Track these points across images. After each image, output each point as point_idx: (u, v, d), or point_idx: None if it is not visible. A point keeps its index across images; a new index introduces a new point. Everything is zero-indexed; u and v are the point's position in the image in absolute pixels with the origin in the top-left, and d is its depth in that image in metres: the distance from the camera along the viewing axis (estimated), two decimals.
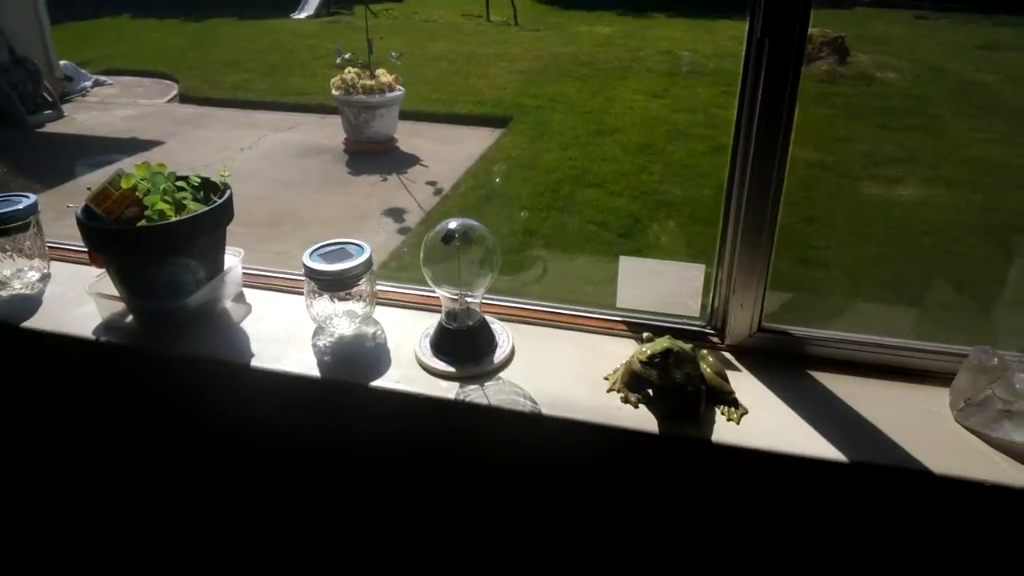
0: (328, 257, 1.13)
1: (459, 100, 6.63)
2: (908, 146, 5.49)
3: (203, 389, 1.16)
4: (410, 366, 1.09)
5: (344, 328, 1.17)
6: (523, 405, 1.00)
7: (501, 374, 1.07)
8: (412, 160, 5.50)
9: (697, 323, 1.15)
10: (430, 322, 1.16)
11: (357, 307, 1.16)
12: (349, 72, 5.47)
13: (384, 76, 5.50)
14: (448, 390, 1.04)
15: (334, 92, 5.44)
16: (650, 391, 0.99)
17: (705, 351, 1.05)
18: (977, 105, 6.59)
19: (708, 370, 1.00)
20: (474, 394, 1.03)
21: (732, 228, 1.06)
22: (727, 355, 1.11)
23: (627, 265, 1.15)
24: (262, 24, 10.63)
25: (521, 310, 1.22)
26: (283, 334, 1.17)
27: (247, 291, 1.30)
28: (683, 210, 4.53)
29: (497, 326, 1.17)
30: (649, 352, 0.95)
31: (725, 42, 8.80)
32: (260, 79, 7.61)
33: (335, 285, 1.11)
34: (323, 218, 4.30)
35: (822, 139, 5.59)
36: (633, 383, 0.99)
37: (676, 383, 0.95)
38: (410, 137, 5.75)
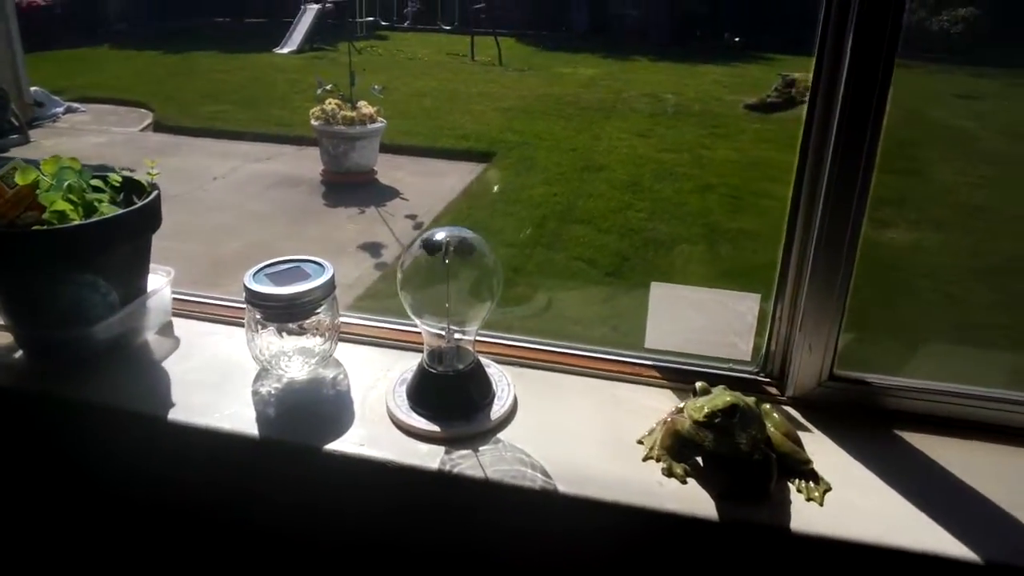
0: (278, 278, 0.88)
1: (442, 135, 6.46)
2: (895, 188, 5.41)
3: (110, 444, 0.89)
4: (380, 423, 0.84)
5: (296, 371, 0.91)
6: (531, 479, 0.74)
7: (501, 435, 0.83)
8: (391, 193, 5.29)
9: (748, 369, 0.91)
10: (408, 365, 0.91)
11: (313, 343, 0.90)
12: (330, 103, 5.29)
13: (365, 107, 5.32)
14: (430, 457, 0.78)
15: (313, 122, 5.25)
16: (700, 460, 0.75)
17: (768, 406, 0.81)
18: (960, 151, 6.60)
19: (775, 431, 0.77)
20: (465, 462, 0.77)
21: (799, 246, 0.83)
22: (790, 410, 0.87)
23: (659, 294, 0.91)
24: (244, 58, 10.50)
25: (524, 350, 0.97)
26: (217, 377, 0.91)
27: (177, 321, 1.04)
28: (672, 248, 4.36)
29: (494, 370, 0.92)
30: (708, 409, 0.71)
31: (708, 86, 8.81)
32: (238, 110, 7.42)
33: (285, 315, 0.86)
34: (294, 251, 4.00)
35: None
36: (679, 449, 0.75)
37: (739, 450, 0.71)
38: (390, 170, 5.55)
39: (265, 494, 0.87)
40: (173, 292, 1.03)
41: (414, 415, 0.84)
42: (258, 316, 0.87)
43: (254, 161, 5.95)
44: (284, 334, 0.88)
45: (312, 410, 0.86)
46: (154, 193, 0.93)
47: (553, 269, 4.06)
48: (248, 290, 0.86)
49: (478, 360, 0.88)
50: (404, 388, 0.88)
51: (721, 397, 0.73)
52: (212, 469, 0.85)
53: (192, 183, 5.38)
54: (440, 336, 0.84)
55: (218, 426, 0.83)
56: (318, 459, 0.79)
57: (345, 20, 11.06)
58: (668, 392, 0.91)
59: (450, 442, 0.81)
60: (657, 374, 0.93)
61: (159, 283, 0.99)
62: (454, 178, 5.48)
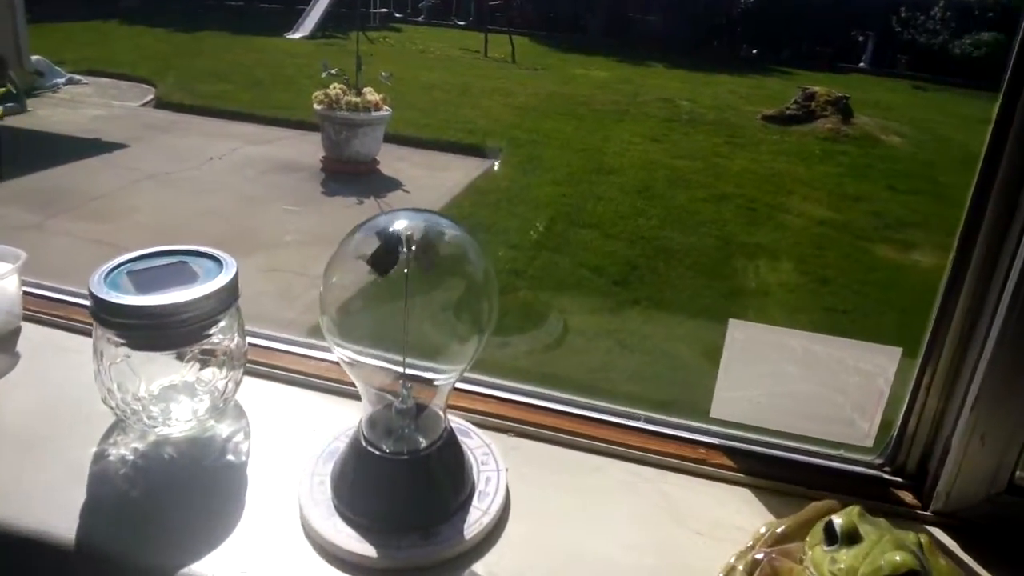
0: (150, 279, 0.61)
1: (449, 128, 6.27)
2: (919, 210, 5.23)
3: None
4: (283, 530, 0.56)
5: (175, 423, 0.63)
6: None
7: (481, 565, 0.55)
8: (393, 184, 5.09)
9: (867, 460, 0.66)
10: (350, 422, 0.60)
11: (199, 383, 0.63)
12: (334, 87, 5.10)
13: (371, 95, 5.13)
14: None
15: (316, 106, 5.06)
16: None
17: (923, 538, 0.54)
18: None
19: None
20: None
21: (977, 276, 0.59)
22: (935, 533, 0.61)
23: (740, 337, 0.64)
24: (254, 41, 10.35)
25: (521, 409, 0.69)
26: (47, 428, 0.63)
27: (29, 328, 0.78)
28: (685, 260, 4.16)
29: (476, 444, 0.64)
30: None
31: (725, 96, 8.62)
32: (242, 91, 7.24)
33: (153, 338, 0.59)
34: (280, 241, 3.84)
35: (831, 197, 5.34)
36: None
37: None
38: (393, 161, 5.35)
39: None
40: (27, 286, 0.77)
41: (338, 522, 0.54)
42: (111, 337, 0.58)
43: (254, 143, 5.77)
44: (150, 367, 0.62)
45: (180, 498, 0.57)
46: None
47: (557, 275, 3.86)
48: (94, 299, 0.58)
49: (451, 432, 0.58)
50: (330, 469, 0.58)
51: (886, 553, 0.47)
52: None
53: (187, 162, 5.20)
54: (393, 384, 0.55)
55: (13, 522, 0.53)
56: None
57: (358, 9, 10.87)
58: (746, 493, 0.64)
59: (398, 575, 0.53)
60: (729, 461, 0.66)
61: (1, 270, 0.73)
62: (459, 173, 5.28)
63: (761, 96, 8.36)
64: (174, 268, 0.63)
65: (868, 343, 0.63)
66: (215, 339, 0.62)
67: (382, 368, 0.56)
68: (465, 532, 0.55)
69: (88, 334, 0.65)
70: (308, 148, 5.41)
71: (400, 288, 0.52)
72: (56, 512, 0.56)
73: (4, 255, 0.75)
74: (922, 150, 6.94)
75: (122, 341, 0.59)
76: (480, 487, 0.59)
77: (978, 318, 0.60)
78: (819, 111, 7.15)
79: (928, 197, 5.53)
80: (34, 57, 7.02)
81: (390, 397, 0.57)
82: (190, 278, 0.61)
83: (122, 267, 0.62)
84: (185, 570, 0.53)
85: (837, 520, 0.51)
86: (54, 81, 7.18)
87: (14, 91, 6.27)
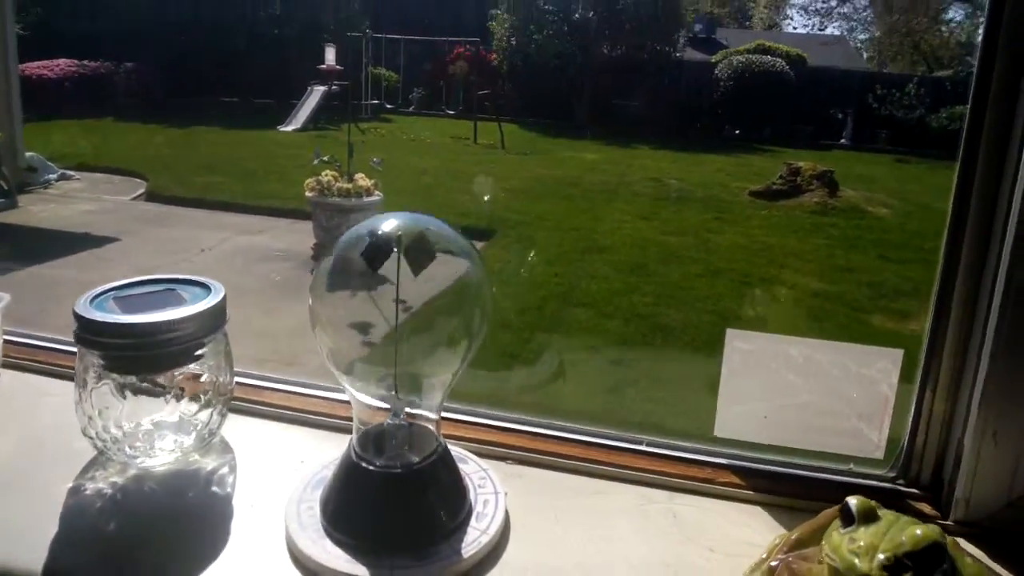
0: (137, 304, 0.60)
1: (440, 212, 6.21)
2: (912, 279, 5.22)
3: None
4: (270, 556, 0.55)
5: (158, 456, 0.62)
6: None
7: None
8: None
9: (879, 473, 0.63)
10: (335, 454, 0.60)
11: (185, 415, 0.61)
12: (326, 174, 5.14)
13: (363, 180, 5.17)
14: None
15: (307, 193, 5.08)
16: None
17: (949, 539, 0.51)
18: None
19: None
20: None
21: (970, 262, 0.60)
22: (959, 543, 0.57)
23: (740, 348, 0.62)
24: (247, 134, 10.60)
25: (520, 436, 0.68)
26: (26, 463, 0.63)
27: (8, 375, 0.78)
28: (682, 336, 4.09)
29: (472, 468, 0.62)
30: (890, 552, 0.44)
31: (711, 174, 8.80)
32: (234, 182, 7.32)
33: (137, 360, 0.57)
34: (269, 330, 3.76)
35: (824, 268, 5.34)
36: None
37: None
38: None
39: None
40: (7, 331, 0.76)
41: (328, 545, 0.53)
42: (94, 362, 0.57)
43: (245, 233, 5.77)
44: (133, 392, 0.59)
45: (162, 529, 0.57)
46: None
47: (552, 356, 3.78)
48: (79, 319, 0.56)
49: (445, 448, 0.57)
50: (319, 494, 0.58)
51: (906, 529, 0.45)
52: None
53: (178, 254, 5.18)
54: (380, 407, 0.54)
55: None
56: None
57: (350, 101, 11.18)
58: (758, 510, 0.61)
59: None
60: (737, 479, 0.64)
61: None
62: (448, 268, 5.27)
63: (747, 173, 8.52)
64: (162, 294, 0.62)
65: (868, 347, 0.62)
66: (200, 366, 0.60)
67: (374, 382, 0.55)
68: (463, 551, 0.54)
69: (70, 378, 0.64)
70: (299, 236, 5.41)
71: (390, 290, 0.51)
72: (24, 546, 0.56)
73: None
74: (909, 220, 7.03)
75: (104, 363, 0.58)
76: (478, 509, 0.58)
77: (974, 310, 0.59)
78: (805, 185, 7.26)
79: (919, 265, 5.53)
80: (28, 153, 7.11)
81: (381, 415, 0.56)
82: (177, 302, 0.60)
83: (109, 293, 0.61)
84: None
85: (852, 501, 0.49)
86: (47, 177, 7.25)
87: (5, 187, 6.31)
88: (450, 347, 0.54)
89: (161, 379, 0.60)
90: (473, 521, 0.57)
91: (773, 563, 0.51)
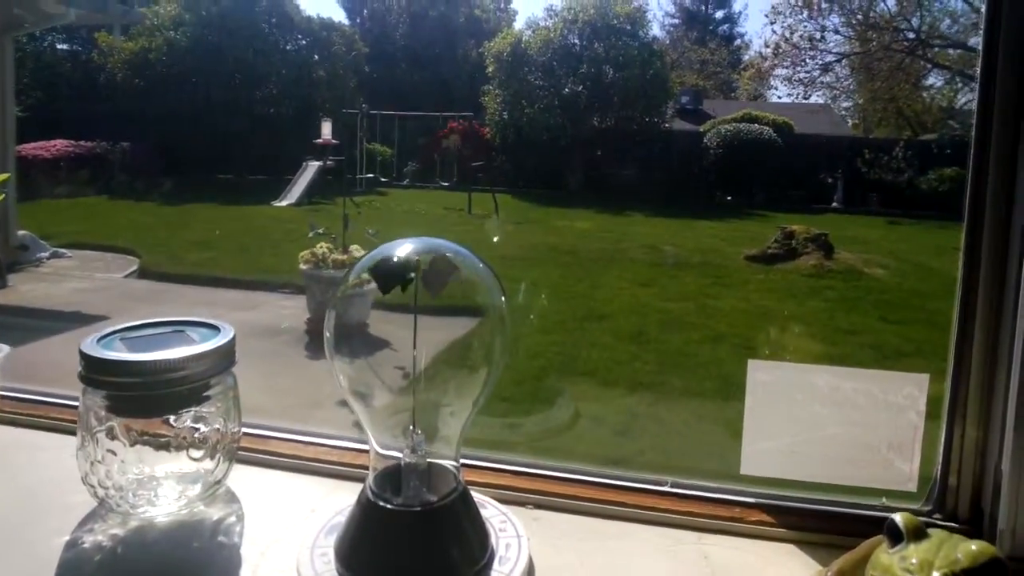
0: (145, 344, 0.58)
1: None
2: (914, 339, 5.15)
3: None
4: None
5: (161, 506, 0.57)
6: None
7: None
8: (380, 344, 4.93)
9: (913, 507, 0.59)
10: (346, 501, 0.58)
11: (190, 463, 0.57)
12: (321, 246, 5.10)
13: (358, 251, 5.12)
14: None
15: (302, 266, 5.03)
16: None
17: None
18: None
19: None
20: None
21: (990, 282, 0.58)
22: None
23: (762, 380, 0.61)
24: (242, 210, 10.67)
25: (542, 481, 0.66)
26: (19, 516, 0.59)
27: (5, 430, 0.80)
28: (688, 405, 3.97)
29: (493, 513, 0.62)
30: (945, 568, 0.42)
31: (706, 239, 8.83)
32: (228, 257, 7.31)
33: (142, 401, 0.54)
34: (262, 407, 3.60)
35: (825, 331, 5.27)
36: None
37: None
38: (380, 323, 5.25)
39: None
40: (3, 389, 0.75)
41: None
42: (97, 403, 0.54)
43: (238, 309, 5.70)
44: (136, 441, 0.55)
45: None
46: None
47: (554, 429, 3.65)
48: (85, 359, 0.53)
49: (464, 488, 0.56)
50: (333, 540, 0.55)
51: (960, 545, 0.44)
52: None
53: None
54: (395, 451, 0.50)
55: None
56: None
57: (345, 176, 11.30)
58: (791, 548, 0.58)
59: None
60: (768, 517, 0.60)
61: None
62: (446, 331, 5.18)
63: (742, 237, 8.55)
64: (170, 335, 0.60)
65: (893, 372, 0.60)
66: (206, 410, 0.56)
67: (390, 419, 0.53)
68: None
69: (64, 431, 0.66)
70: (293, 311, 5.34)
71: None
72: None
73: None
74: (906, 279, 7.03)
75: (109, 403, 0.55)
76: (500, 552, 0.57)
77: (998, 332, 0.56)
78: (800, 248, 7.27)
79: (920, 325, 5.48)
80: (20, 232, 7.10)
81: (398, 454, 0.53)
82: (185, 343, 0.58)
83: (116, 333, 0.60)
84: None
85: (898, 518, 0.48)
86: (38, 255, 7.23)
87: None
88: (470, 371, 0.54)
89: (166, 425, 0.56)
90: (496, 565, 0.55)
91: None
